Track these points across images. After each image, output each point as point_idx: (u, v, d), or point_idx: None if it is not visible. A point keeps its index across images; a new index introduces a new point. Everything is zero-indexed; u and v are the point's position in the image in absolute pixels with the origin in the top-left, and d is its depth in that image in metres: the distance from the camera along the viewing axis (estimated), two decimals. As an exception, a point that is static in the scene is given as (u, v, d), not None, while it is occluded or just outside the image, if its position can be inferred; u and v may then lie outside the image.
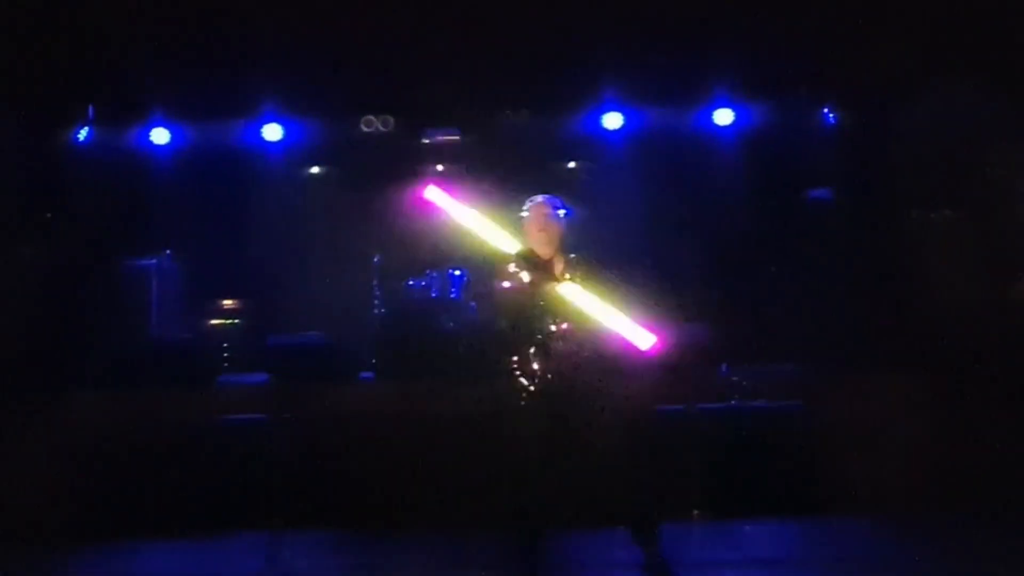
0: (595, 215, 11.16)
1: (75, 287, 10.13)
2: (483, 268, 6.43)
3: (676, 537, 5.84)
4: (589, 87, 11.18)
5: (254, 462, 8.33)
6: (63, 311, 9.85)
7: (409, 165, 11.73)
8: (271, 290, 11.15)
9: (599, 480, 5.89)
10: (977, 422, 7.95)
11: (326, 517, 8.10)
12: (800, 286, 10.21)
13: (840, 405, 8.26)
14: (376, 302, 10.58)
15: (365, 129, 11.54)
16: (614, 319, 5.91)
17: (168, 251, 11.22)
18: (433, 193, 6.54)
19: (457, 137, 11.88)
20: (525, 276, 5.96)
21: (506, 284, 5.99)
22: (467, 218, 6.31)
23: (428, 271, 10.42)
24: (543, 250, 6.05)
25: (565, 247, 6.11)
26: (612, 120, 11.42)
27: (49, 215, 10.56)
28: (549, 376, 5.88)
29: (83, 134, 11.22)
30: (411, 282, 10.49)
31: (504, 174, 10.32)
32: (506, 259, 6.08)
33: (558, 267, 6.06)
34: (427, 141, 11.90)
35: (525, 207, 6.18)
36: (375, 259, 10.72)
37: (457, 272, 10.30)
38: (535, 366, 5.90)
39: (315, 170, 12.20)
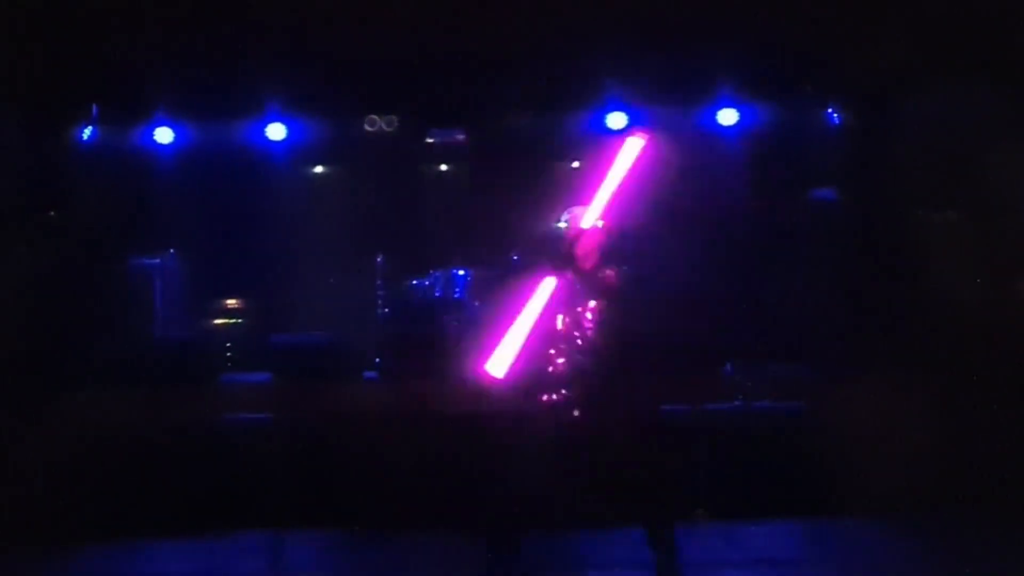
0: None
1: (79, 286, 10.13)
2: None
3: (680, 537, 5.82)
4: (593, 87, 11.17)
5: (257, 461, 8.34)
6: (67, 310, 9.85)
7: (413, 165, 11.74)
8: (274, 289, 11.15)
9: (617, 479, 5.88)
10: (981, 423, 7.95)
11: (329, 517, 8.10)
12: (804, 286, 10.20)
13: (844, 406, 8.24)
14: (379, 302, 10.58)
15: (369, 129, 11.53)
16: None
17: (172, 250, 11.23)
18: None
19: (461, 137, 11.88)
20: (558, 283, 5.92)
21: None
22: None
23: (431, 271, 10.42)
24: (582, 262, 6.02)
25: (604, 258, 6.08)
26: (616, 120, 11.41)
27: (53, 214, 10.58)
28: (576, 386, 5.86)
29: (87, 133, 11.22)
30: (414, 282, 10.49)
31: (508, 174, 10.34)
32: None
33: (594, 278, 6.02)
34: (431, 141, 11.90)
35: (564, 217, 6.15)
36: (378, 258, 10.72)
37: (460, 272, 10.30)
38: (562, 373, 5.88)
39: (319, 169, 12.20)
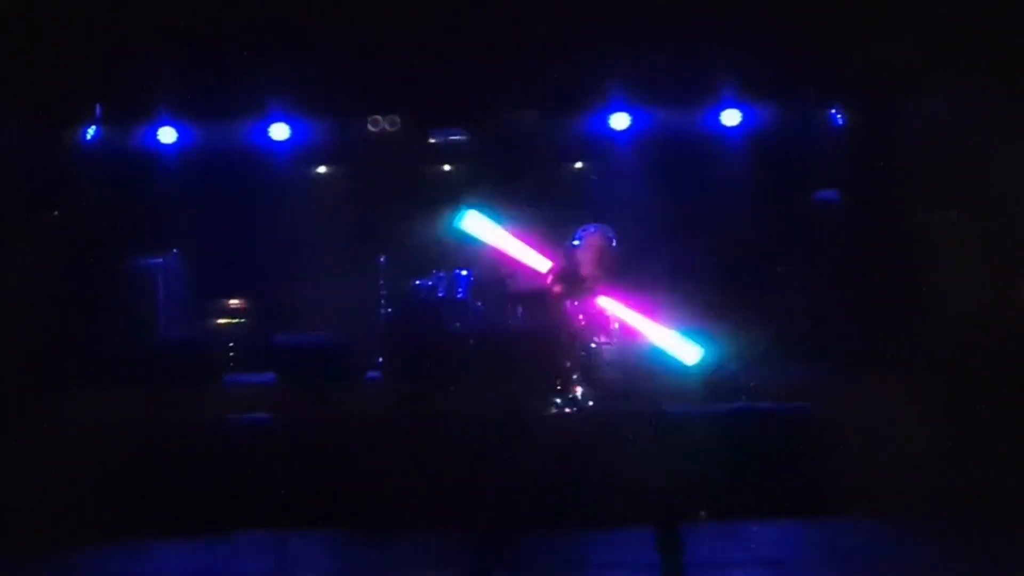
0: (601, 215, 11.19)
1: (82, 286, 10.13)
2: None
3: (684, 537, 5.81)
4: (596, 87, 11.17)
5: (260, 462, 8.33)
6: (69, 310, 9.85)
7: (415, 165, 11.74)
8: (277, 289, 11.15)
9: (627, 479, 5.89)
10: (986, 424, 7.93)
11: (332, 517, 8.09)
12: (807, 287, 10.19)
13: (848, 406, 8.23)
14: (382, 302, 10.58)
15: (372, 129, 11.53)
16: (654, 332, 5.90)
17: (175, 250, 11.22)
18: (471, 221, 6.44)
19: (464, 137, 11.88)
20: (560, 291, 5.95)
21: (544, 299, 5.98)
22: (503, 242, 6.24)
23: (435, 271, 10.41)
24: (595, 280, 6.03)
25: (615, 275, 6.09)
26: (619, 120, 11.41)
27: (56, 214, 10.58)
28: (589, 389, 5.87)
29: (90, 133, 11.22)
30: (418, 282, 10.49)
31: (511, 175, 10.34)
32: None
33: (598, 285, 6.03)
34: (434, 141, 11.91)
35: (578, 236, 6.16)
36: (381, 259, 10.71)
37: (464, 272, 10.29)
38: (574, 377, 5.90)
39: (322, 170, 12.21)
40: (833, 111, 11.43)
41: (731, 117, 11.36)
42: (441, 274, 10.38)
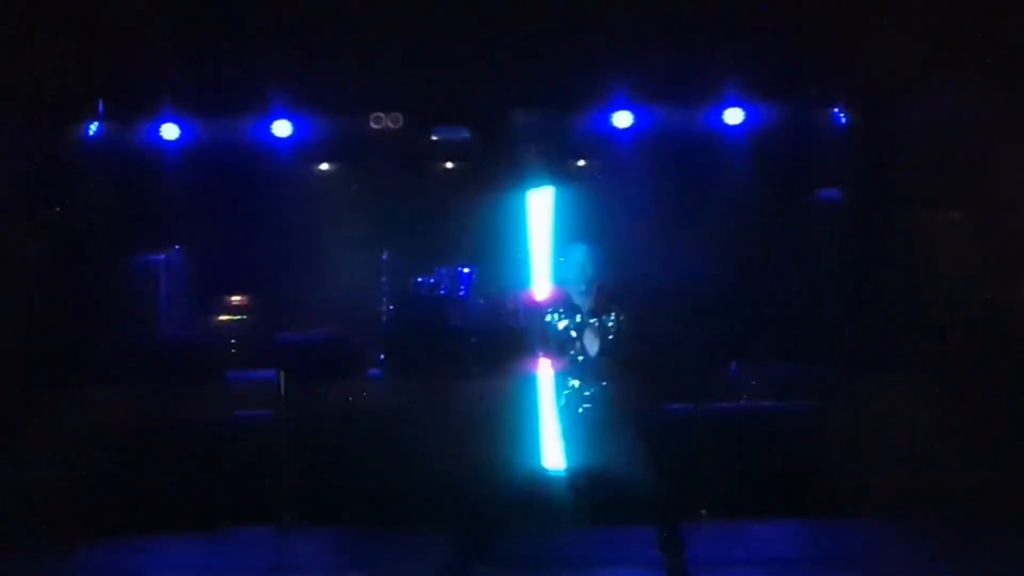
0: (604, 214, 11.20)
1: (84, 282, 10.14)
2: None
3: (686, 536, 5.82)
4: (599, 85, 11.16)
5: (262, 458, 8.35)
6: (72, 306, 9.86)
7: (418, 162, 11.74)
8: (280, 286, 11.15)
9: (623, 478, 5.90)
10: (987, 423, 7.94)
11: (333, 513, 8.11)
12: (810, 286, 10.19)
13: (850, 405, 8.24)
14: (385, 299, 10.58)
15: (374, 126, 11.53)
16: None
17: (177, 247, 11.23)
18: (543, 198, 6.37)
19: (466, 135, 11.88)
20: (560, 316, 5.98)
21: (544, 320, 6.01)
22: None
23: (437, 268, 10.42)
24: (580, 297, 6.05)
25: (602, 293, 6.09)
26: (622, 119, 11.40)
27: (58, 210, 10.58)
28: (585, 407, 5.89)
29: (93, 129, 11.22)
30: (419, 279, 10.49)
31: (513, 172, 10.32)
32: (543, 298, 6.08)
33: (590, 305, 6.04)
34: (436, 138, 11.90)
35: (564, 254, 6.16)
36: (384, 256, 10.72)
37: (466, 270, 10.30)
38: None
39: (324, 167, 12.21)
40: (836, 110, 11.42)
41: (734, 116, 11.35)
42: (443, 271, 10.39)
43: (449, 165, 12.16)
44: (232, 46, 10.13)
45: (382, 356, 9.93)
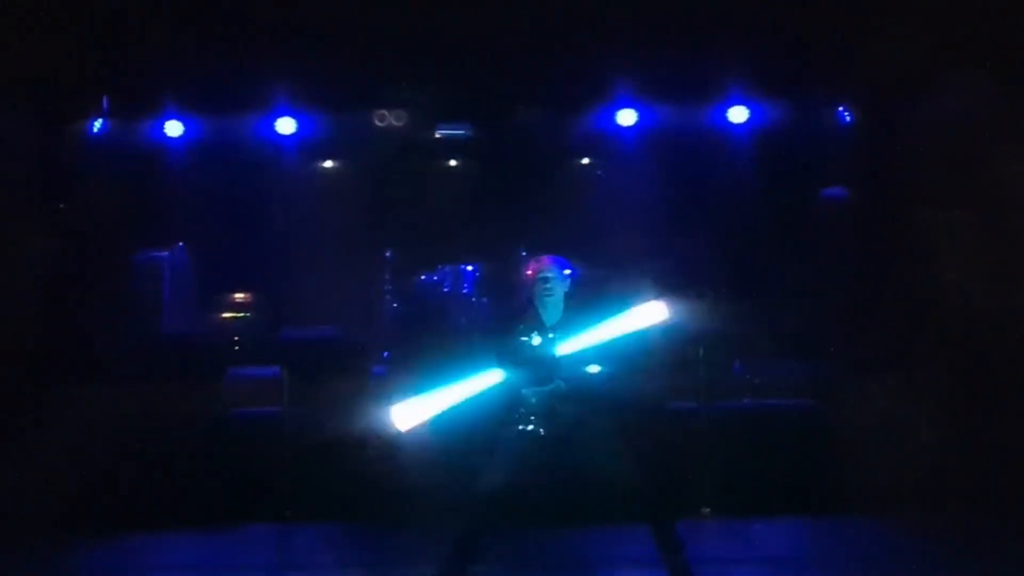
0: (608, 211, 11.21)
1: (88, 279, 10.15)
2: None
3: (687, 534, 5.82)
4: (603, 83, 11.16)
5: (265, 455, 8.35)
6: (75, 303, 9.87)
7: (422, 160, 11.74)
8: (283, 284, 11.16)
9: (611, 478, 5.88)
10: (989, 422, 7.93)
11: (336, 510, 8.12)
12: (813, 284, 10.18)
13: (852, 404, 8.24)
14: (388, 297, 10.58)
15: (378, 124, 11.53)
16: (620, 327, 5.82)
17: (181, 244, 11.24)
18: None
19: (470, 132, 11.88)
20: (533, 338, 5.91)
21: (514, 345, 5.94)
22: None
23: (440, 266, 10.42)
24: (546, 313, 5.96)
25: (567, 307, 6.00)
26: (626, 117, 11.39)
27: (62, 207, 10.59)
28: (552, 431, 5.84)
29: (97, 126, 11.23)
30: (423, 277, 10.49)
31: (517, 170, 10.33)
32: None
33: (558, 325, 5.96)
34: (440, 136, 11.90)
35: (530, 266, 6.07)
36: (387, 254, 10.72)
37: (469, 268, 10.30)
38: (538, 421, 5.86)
39: (328, 164, 12.21)
40: (840, 108, 11.41)
41: (738, 114, 11.34)
42: (447, 269, 10.39)
43: (453, 162, 12.15)
44: (236, 43, 10.13)
45: (386, 354, 9.93)
